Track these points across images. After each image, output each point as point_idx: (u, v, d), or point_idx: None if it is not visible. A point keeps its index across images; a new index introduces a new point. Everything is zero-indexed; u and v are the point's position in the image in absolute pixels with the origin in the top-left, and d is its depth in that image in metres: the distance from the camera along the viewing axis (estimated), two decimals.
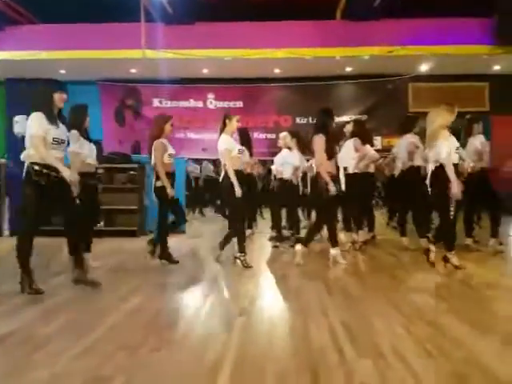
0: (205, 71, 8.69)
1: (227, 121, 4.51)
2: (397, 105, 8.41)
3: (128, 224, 6.61)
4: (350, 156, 5.39)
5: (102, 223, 6.58)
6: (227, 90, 9.04)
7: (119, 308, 3.10)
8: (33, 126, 3.33)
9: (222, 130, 4.53)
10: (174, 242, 5.92)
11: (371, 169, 5.77)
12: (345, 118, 8.55)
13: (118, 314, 2.97)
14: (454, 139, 4.16)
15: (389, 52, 7.39)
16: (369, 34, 7.45)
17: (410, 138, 5.30)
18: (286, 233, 6.29)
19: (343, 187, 5.47)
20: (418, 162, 5.27)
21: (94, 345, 2.42)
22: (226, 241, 4.63)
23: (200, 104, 9.07)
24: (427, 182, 4.30)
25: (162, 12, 7.26)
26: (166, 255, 4.53)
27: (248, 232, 6.68)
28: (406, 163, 5.23)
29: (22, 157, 3.43)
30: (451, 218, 4.11)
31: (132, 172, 6.68)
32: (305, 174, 6.53)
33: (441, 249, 4.25)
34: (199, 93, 9.06)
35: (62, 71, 8.58)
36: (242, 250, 4.39)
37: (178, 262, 4.53)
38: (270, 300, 3.31)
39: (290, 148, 5.79)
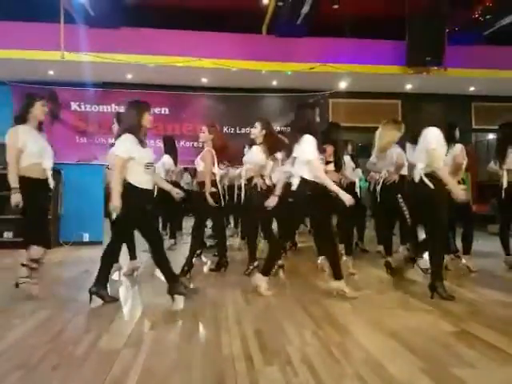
0: (129, 76, 8.45)
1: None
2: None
3: None
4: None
5: (10, 234, 6.14)
6: (152, 95, 8.84)
7: (22, 324, 2.92)
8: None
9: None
10: (87, 254, 5.69)
11: None
12: None
13: (20, 330, 2.80)
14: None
15: (310, 68, 7.71)
16: (292, 51, 7.73)
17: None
18: (210, 242, 6.27)
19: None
20: None
21: None
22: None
23: (122, 109, 8.76)
24: (378, 189, 4.76)
25: (84, 14, 6.98)
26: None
27: (171, 242, 6.58)
28: None
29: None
30: (408, 221, 4.50)
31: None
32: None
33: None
34: (122, 97, 8.77)
35: None
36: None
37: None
38: (184, 312, 3.26)
39: None
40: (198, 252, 5.37)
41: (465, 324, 2.93)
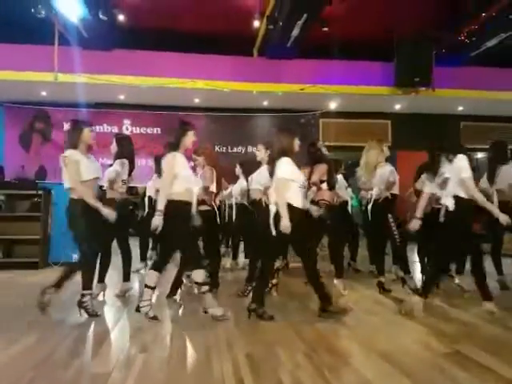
0: (121, 97, 8.52)
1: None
2: (308, 138, 8.85)
3: (30, 255, 6.12)
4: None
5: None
6: (145, 115, 8.92)
7: (9, 347, 2.84)
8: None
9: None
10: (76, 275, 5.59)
11: None
12: None
13: (6, 354, 2.72)
14: None
15: (300, 89, 7.84)
16: (283, 72, 7.88)
17: None
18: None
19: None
20: None
21: None
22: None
23: (115, 129, 8.81)
24: (369, 207, 4.74)
25: (78, 36, 7.06)
26: None
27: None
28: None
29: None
30: (398, 242, 4.55)
31: (36, 199, 6.24)
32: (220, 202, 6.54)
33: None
34: (114, 118, 8.83)
35: None
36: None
37: None
38: (173, 335, 3.20)
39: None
40: (189, 273, 5.32)
41: (458, 345, 2.91)
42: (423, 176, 4.96)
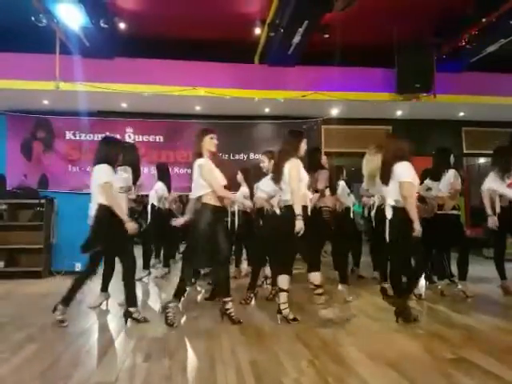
0: (123, 105, 8.55)
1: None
2: (311, 145, 8.87)
3: (32, 264, 6.12)
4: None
5: (1, 264, 6.07)
6: (147, 124, 8.95)
7: (10, 358, 2.83)
8: None
9: None
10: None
11: None
12: None
13: (7, 365, 2.70)
14: None
15: (302, 96, 7.86)
16: (284, 79, 7.90)
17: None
18: (204, 270, 6.19)
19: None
20: None
21: None
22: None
23: (117, 137, 8.83)
24: (372, 214, 4.85)
25: (79, 45, 7.10)
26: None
27: (164, 270, 6.50)
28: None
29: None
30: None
31: (39, 208, 6.25)
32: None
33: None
34: (117, 126, 8.84)
35: None
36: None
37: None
38: (177, 343, 3.18)
39: None
40: (193, 280, 5.31)
41: (463, 351, 2.89)
42: (426, 181, 4.96)
